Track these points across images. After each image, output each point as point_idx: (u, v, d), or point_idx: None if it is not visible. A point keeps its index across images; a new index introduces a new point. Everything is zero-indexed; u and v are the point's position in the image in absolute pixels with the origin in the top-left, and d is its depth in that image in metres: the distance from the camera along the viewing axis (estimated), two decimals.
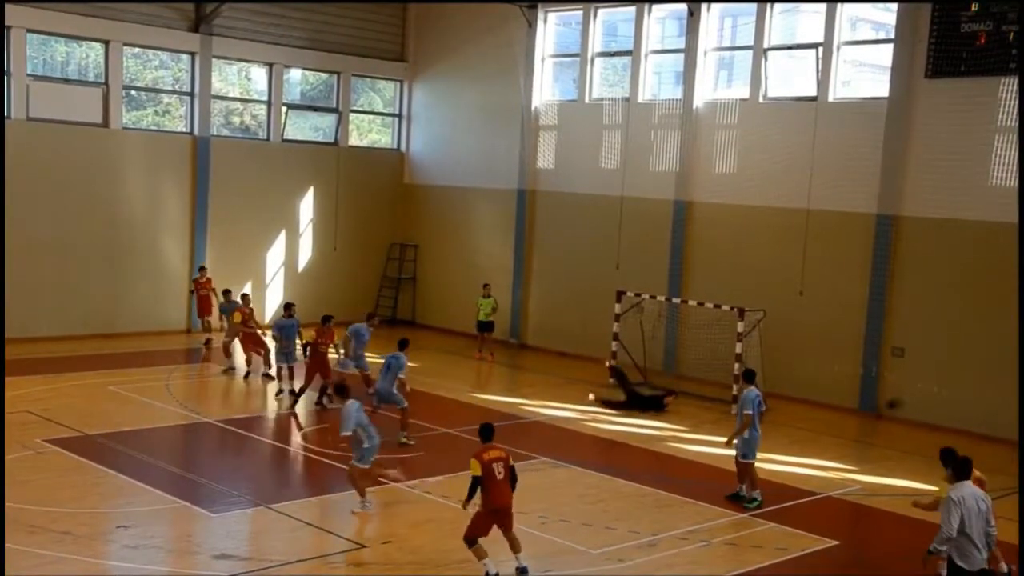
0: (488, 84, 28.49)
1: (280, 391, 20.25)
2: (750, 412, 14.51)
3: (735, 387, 20.74)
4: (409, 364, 24.12)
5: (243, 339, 22.16)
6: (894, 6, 21.18)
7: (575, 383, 23.03)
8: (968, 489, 10.12)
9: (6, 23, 23.12)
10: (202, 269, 25.33)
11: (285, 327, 20.35)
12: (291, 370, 20.25)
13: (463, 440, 17.19)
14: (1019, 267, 17.44)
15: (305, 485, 15.56)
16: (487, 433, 11.73)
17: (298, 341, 20.34)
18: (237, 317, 22.14)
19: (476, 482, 11.27)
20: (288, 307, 21.07)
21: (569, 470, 16.22)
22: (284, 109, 28.40)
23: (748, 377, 15.17)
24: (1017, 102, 19.06)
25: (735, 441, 14.84)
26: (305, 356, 19.71)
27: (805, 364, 22.23)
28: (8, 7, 22.80)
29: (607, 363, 22.74)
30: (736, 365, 20.94)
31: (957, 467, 10.33)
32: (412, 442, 17.12)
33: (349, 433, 13.45)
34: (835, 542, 13.50)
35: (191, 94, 26.68)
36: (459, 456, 16.45)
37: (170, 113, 27.25)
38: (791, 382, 22.10)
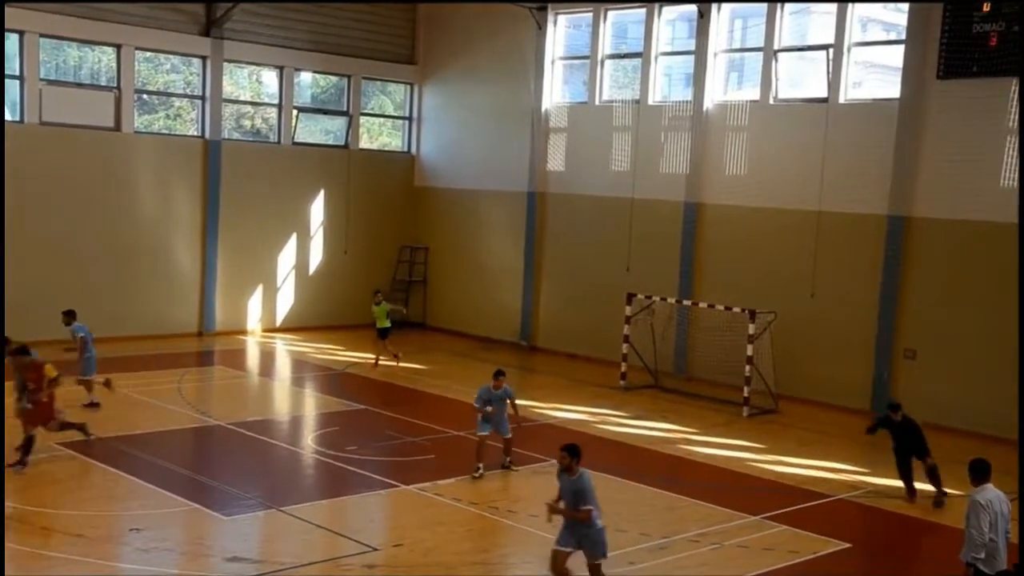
0: (498, 86, 28.51)
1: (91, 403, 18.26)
2: (592, 506, 10.89)
3: (746, 388, 20.81)
4: (418, 367, 24.40)
5: None
6: (905, 7, 21.12)
7: (585, 385, 23.04)
8: (992, 492, 9.86)
9: (20, 28, 23.29)
10: None
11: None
12: (89, 382, 18.48)
13: (473, 442, 17.18)
14: (1019, 268, 17.36)
15: (317, 488, 15.56)
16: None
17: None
18: None
19: None
20: (69, 313, 18.83)
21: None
22: (295, 112, 28.44)
23: (575, 452, 10.93)
24: None
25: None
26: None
27: (816, 365, 22.19)
28: (21, 12, 22.93)
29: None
30: (747, 368, 20.90)
31: (975, 470, 9.99)
32: (516, 469, 16.12)
33: None
34: (847, 545, 13.45)
35: (202, 98, 26.76)
36: (470, 458, 16.54)
37: (181, 117, 27.35)
38: (802, 383, 22.06)
